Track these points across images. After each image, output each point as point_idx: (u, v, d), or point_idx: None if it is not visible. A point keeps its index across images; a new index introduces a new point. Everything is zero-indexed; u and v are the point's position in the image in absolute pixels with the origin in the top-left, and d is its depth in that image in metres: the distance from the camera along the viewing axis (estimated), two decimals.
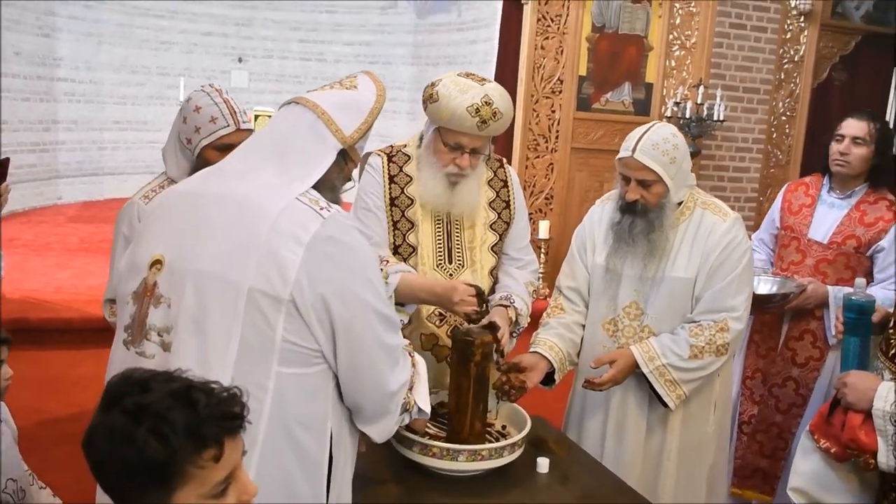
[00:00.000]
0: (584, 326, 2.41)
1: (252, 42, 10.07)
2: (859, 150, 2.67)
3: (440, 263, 2.30)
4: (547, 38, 5.76)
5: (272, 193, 1.44)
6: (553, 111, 5.88)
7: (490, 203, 2.36)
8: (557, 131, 5.91)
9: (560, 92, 5.86)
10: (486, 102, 2.12)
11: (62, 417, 3.68)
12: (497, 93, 2.16)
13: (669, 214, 2.22)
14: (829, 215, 2.76)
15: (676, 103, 5.90)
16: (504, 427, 2.19)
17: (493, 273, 2.38)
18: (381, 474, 2.02)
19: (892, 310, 1.96)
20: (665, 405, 2.23)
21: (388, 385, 1.51)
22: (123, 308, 1.49)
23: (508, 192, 2.39)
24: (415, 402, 1.61)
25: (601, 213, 2.40)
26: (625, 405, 2.32)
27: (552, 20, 5.74)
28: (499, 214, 2.37)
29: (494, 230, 2.36)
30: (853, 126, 2.69)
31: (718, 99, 5.85)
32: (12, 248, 6.31)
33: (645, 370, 2.19)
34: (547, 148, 5.92)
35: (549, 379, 2.33)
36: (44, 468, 2.15)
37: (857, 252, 2.69)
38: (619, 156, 2.21)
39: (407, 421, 1.65)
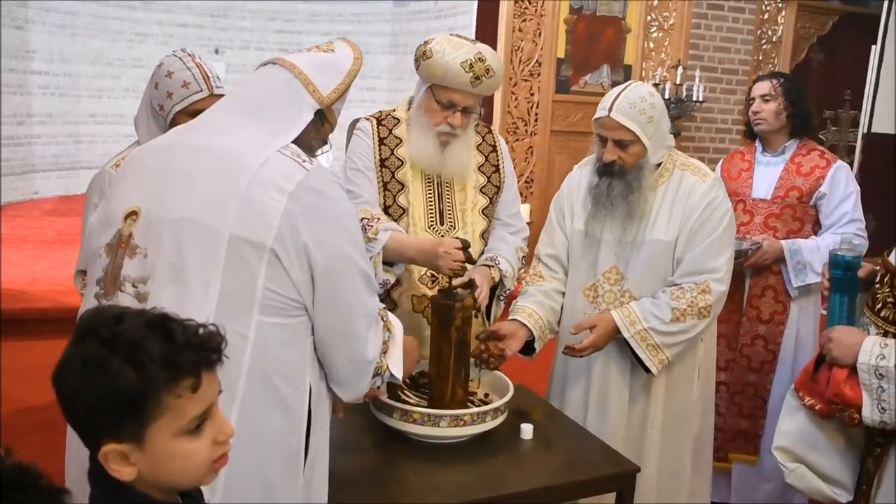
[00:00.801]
0: (563, 294, 2.38)
1: (229, 33, 9.96)
2: (769, 106, 2.85)
3: (431, 224, 2.30)
4: (524, 20, 5.73)
5: (253, 147, 1.43)
6: (532, 94, 5.86)
7: (479, 167, 2.37)
8: (536, 114, 5.89)
9: (538, 75, 5.84)
10: (479, 59, 2.15)
11: (37, 406, 3.61)
12: (489, 52, 2.19)
13: (648, 176, 2.19)
14: (767, 173, 2.89)
15: (655, 84, 5.89)
16: (486, 395, 2.16)
17: (484, 236, 2.38)
18: (360, 442, 1.99)
19: (872, 265, 1.94)
20: (647, 371, 2.20)
21: (364, 350, 1.50)
22: (95, 262, 1.46)
23: (497, 156, 2.40)
24: (387, 367, 1.59)
25: (579, 178, 2.38)
26: (607, 373, 2.30)
27: (529, 2, 5.71)
28: (488, 178, 2.38)
29: (485, 193, 2.36)
30: (759, 87, 2.91)
31: (697, 80, 5.86)
32: None
33: (626, 334, 2.16)
34: (526, 131, 5.90)
35: (529, 348, 2.30)
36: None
37: (801, 202, 2.81)
38: (596, 116, 2.18)
39: (378, 384, 1.62)
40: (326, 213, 1.42)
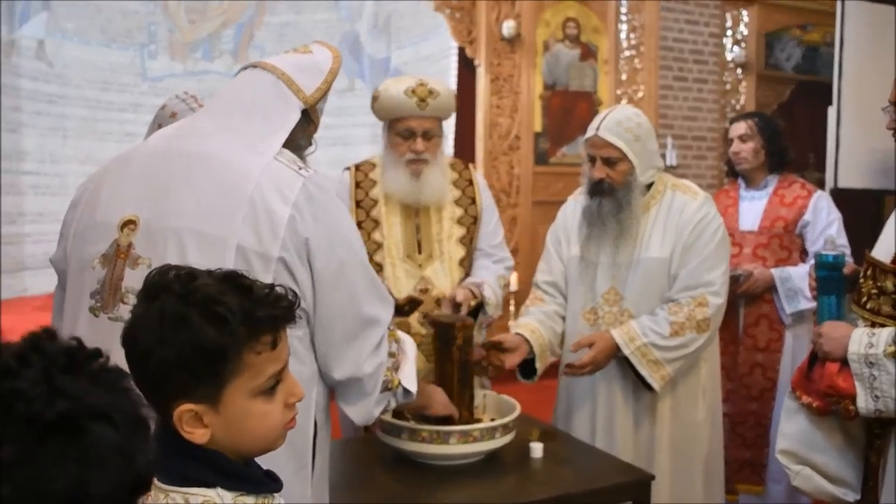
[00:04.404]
0: (563, 318, 2.43)
1: None
2: (747, 145, 2.99)
3: (409, 255, 2.43)
4: (501, 97, 6.00)
5: (249, 154, 1.44)
6: (512, 167, 6.06)
7: (456, 201, 2.51)
8: (518, 186, 6.07)
9: (518, 148, 6.06)
10: (420, 84, 2.36)
11: None
12: (432, 79, 2.40)
13: (637, 195, 2.27)
14: (752, 207, 3.03)
15: None
16: (493, 420, 2.18)
17: (463, 264, 2.49)
18: (368, 470, 1.98)
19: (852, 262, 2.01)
20: (650, 389, 2.23)
21: (359, 360, 1.48)
22: (87, 273, 1.42)
23: (473, 189, 2.55)
24: (399, 382, 1.58)
25: (574, 206, 2.46)
26: (611, 396, 2.32)
27: (505, 80, 6.00)
28: (465, 210, 2.52)
29: (461, 224, 2.50)
30: (736, 127, 3.06)
31: (669, 146, 6.11)
32: None
33: (626, 351, 2.19)
34: (509, 203, 6.06)
35: (530, 369, 2.33)
36: None
37: (787, 231, 2.94)
38: (585, 136, 2.32)
39: (394, 404, 1.61)
40: (323, 220, 1.43)
